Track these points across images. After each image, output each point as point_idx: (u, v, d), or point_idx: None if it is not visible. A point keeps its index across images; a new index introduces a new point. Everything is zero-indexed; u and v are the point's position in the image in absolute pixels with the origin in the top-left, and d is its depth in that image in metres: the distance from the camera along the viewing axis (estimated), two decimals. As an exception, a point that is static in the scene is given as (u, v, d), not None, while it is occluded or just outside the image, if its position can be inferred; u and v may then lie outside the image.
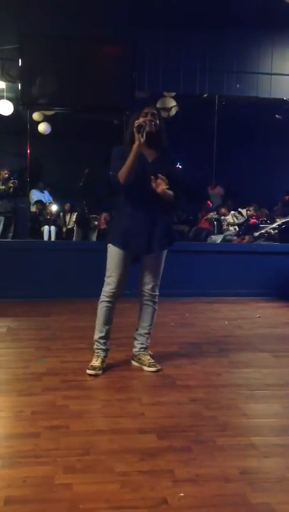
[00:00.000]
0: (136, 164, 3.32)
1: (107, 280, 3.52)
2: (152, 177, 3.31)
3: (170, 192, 3.39)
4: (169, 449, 2.46)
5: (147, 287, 3.60)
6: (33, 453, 2.39)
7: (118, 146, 3.51)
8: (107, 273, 3.51)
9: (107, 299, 3.51)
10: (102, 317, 3.54)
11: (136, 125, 3.30)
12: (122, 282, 3.49)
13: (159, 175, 3.31)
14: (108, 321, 3.55)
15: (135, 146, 3.30)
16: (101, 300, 3.54)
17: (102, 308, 3.53)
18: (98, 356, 3.55)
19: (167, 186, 3.31)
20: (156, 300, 3.64)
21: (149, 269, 3.58)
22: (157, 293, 3.63)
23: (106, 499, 2.04)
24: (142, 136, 3.28)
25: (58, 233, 9.08)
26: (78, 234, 8.24)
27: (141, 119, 3.32)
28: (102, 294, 3.53)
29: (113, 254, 3.49)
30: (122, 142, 3.52)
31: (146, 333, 3.67)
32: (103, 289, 3.53)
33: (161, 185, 3.31)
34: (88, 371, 3.46)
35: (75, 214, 8.75)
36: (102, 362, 3.54)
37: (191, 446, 2.50)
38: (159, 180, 3.30)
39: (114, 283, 3.48)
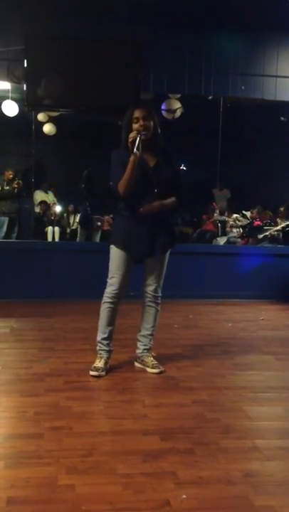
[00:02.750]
0: (135, 173, 3.29)
1: (109, 281, 3.51)
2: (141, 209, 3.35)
3: (166, 201, 3.41)
4: (171, 451, 2.46)
5: (150, 289, 3.59)
6: (35, 453, 2.39)
7: (117, 151, 3.43)
8: (110, 274, 3.51)
9: (110, 300, 3.51)
10: (104, 318, 3.53)
11: (130, 140, 3.24)
12: (124, 283, 3.49)
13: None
14: (111, 322, 3.54)
15: (132, 159, 3.26)
16: (104, 301, 3.53)
17: (104, 309, 3.53)
18: (101, 357, 3.55)
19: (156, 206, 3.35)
20: (159, 301, 3.64)
21: (151, 271, 3.58)
22: (160, 294, 3.63)
23: (109, 500, 2.04)
24: (138, 149, 3.21)
25: (62, 234, 9.09)
26: (82, 235, 8.24)
27: (133, 132, 3.25)
28: (104, 295, 3.53)
29: (115, 255, 3.49)
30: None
31: (149, 335, 3.66)
32: (106, 290, 3.52)
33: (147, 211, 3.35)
34: (91, 372, 3.45)
35: (79, 215, 8.76)
36: (105, 363, 3.53)
37: (194, 448, 2.50)
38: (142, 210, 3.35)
39: (117, 284, 3.47)
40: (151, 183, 3.37)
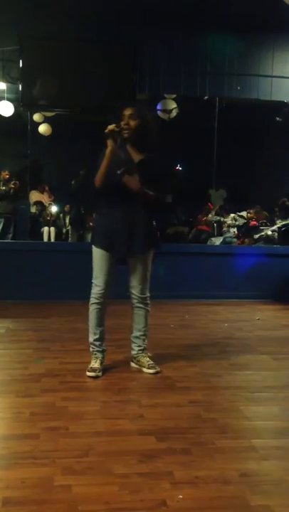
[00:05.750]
0: (112, 168, 3.28)
1: (94, 282, 3.50)
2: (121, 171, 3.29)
3: (150, 192, 3.36)
4: (168, 451, 2.45)
5: (136, 290, 3.56)
6: (31, 454, 2.38)
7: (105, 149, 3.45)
8: (94, 275, 3.49)
9: (97, 301, 3.49)
10: (94, 319, 3.52)
11: (105, 131, 3.27)
12: (109, 283, 3.47)
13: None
14: (100, 322, 3.52)
15: (107, 151, 3.28)
16: (91, 302, 3.51)
17: (93, 310, 3.51)
18: (96, 358, 3.53)
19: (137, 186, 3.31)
20: (148, 301, 3.60)
21: (135, 272, 3.54)
22: (147, 295, 3.59)
23: (105, 501, 2.03)
24: (116, 141, 3.26)
25: (58, 234, 9.08)
26: (73, 235, 8.21)
27: (111, 125, 3.28)
28: (91, 296, 3.51)
29: (97, 255, 3.48)
30: None
31: (142, 335, 3.64)
32: (92, 291, 3.50)
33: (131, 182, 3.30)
34: (88, 373, 3.44)
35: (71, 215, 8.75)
36: (101, 363, 3.52)
37: (191, 448, 2.49)
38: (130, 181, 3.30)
39: (102, 284, 3.46)
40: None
